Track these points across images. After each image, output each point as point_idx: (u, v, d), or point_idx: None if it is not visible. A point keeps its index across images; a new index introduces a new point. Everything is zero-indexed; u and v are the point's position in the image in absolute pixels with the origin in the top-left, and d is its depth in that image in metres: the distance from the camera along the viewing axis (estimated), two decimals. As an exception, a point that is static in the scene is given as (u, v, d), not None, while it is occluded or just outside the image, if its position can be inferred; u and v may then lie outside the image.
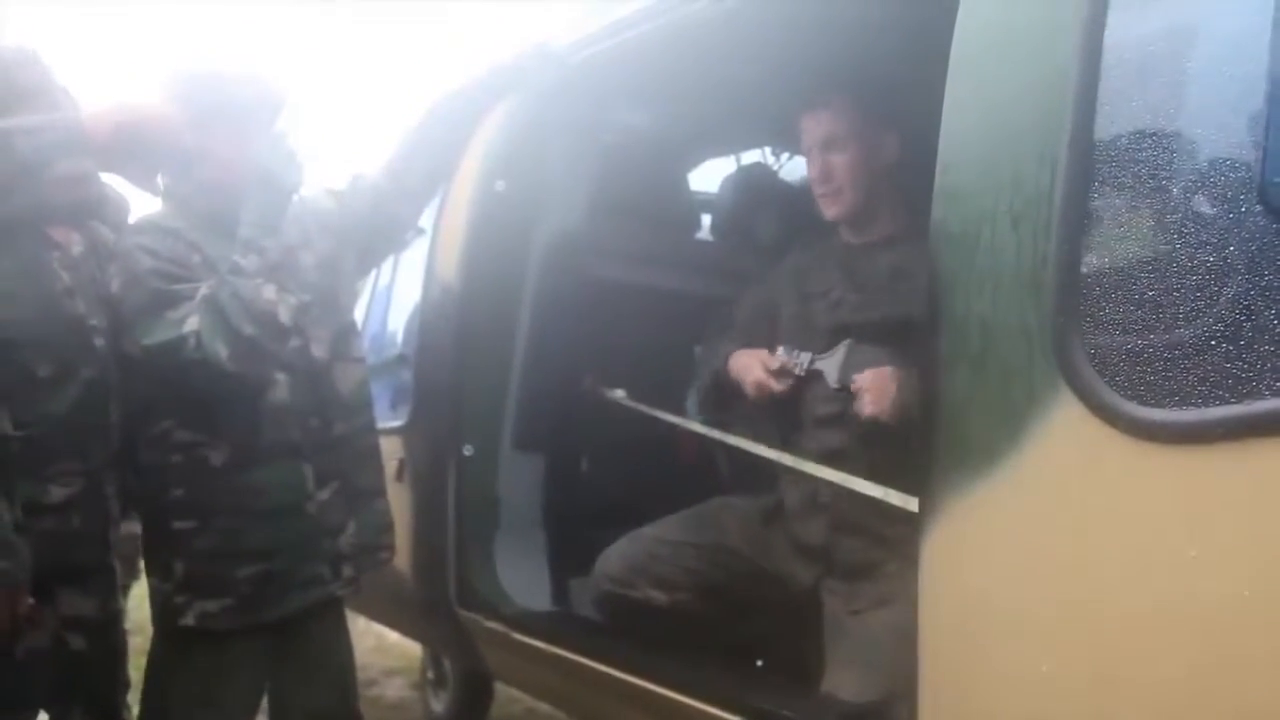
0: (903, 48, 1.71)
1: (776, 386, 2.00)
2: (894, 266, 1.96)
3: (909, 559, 1.52)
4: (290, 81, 2.03)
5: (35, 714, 2.05)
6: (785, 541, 2.02)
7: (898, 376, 1.81)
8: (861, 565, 1.88)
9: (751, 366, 2.06)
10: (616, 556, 2.16)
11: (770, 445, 2.04)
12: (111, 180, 2.02)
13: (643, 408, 2.37)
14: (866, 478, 1.81)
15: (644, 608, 2.10)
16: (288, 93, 2.00)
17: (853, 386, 1.87)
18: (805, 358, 1.98)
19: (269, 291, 1.81)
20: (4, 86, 1.89)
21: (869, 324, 1.96)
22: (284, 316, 1.84)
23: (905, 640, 1.39)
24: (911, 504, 1.46)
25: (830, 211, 2.05)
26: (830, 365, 1.96)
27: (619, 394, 2.42)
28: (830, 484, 1.89)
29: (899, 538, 1.69)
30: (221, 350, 1.76)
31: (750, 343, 2.14)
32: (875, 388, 1.83)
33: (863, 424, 1.84)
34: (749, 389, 2.06)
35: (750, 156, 3.13)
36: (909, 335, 1.77)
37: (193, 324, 1.76)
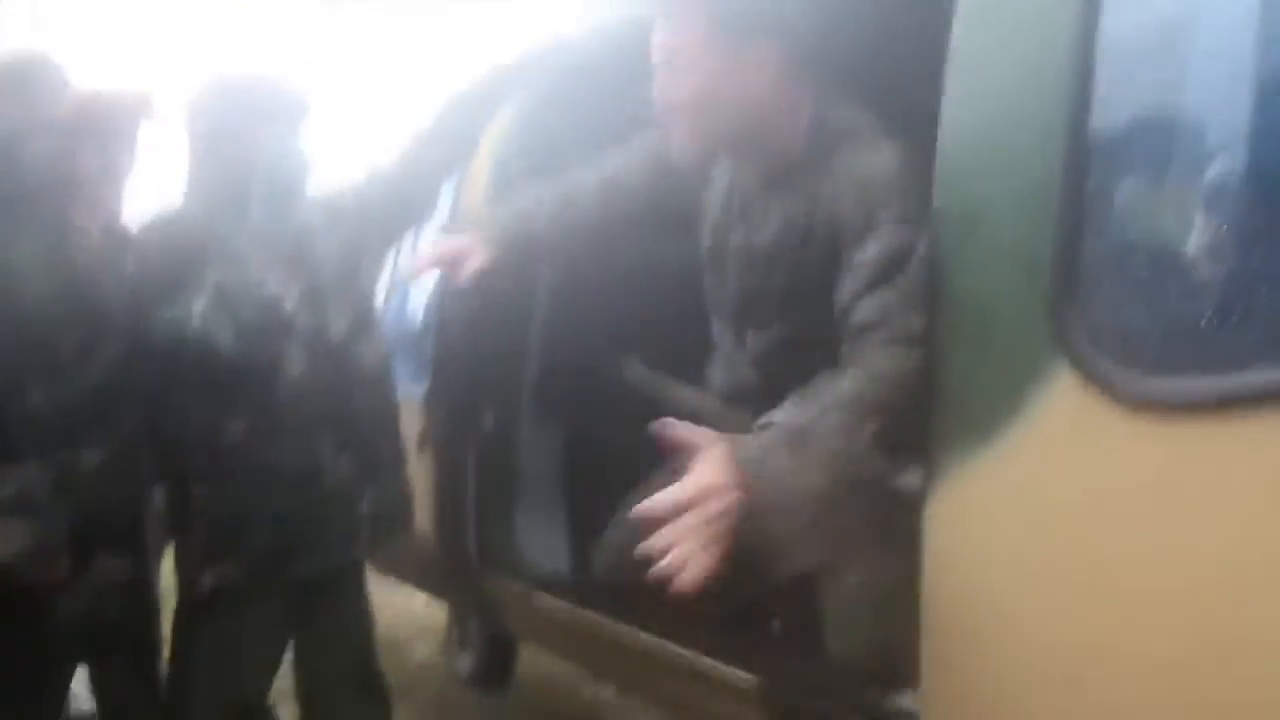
0: (908, 27, 1.72)
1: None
2: (784, 218, 1.65)
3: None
4: (314, 82, 2.08)
5: (73, 670, 2.14)
6: None
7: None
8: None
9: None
10: (609, 547, 2.09)
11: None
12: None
13: (660, 378, 2.39)
14: None
15: (652, 591, 2.10)
16: (312, 93, 2.06)
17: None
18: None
19: (273, 281, 1.87)
20: (19, 87, 1.95)
21: (760, 304, 1.73)
22: (288, 305, 1.90)
23: (899, 601, 1.43)
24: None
25: (676, 141, 1.67)
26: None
27: (636, 365, 2.43)
28: None
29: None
30: (226, 338, 1.83)
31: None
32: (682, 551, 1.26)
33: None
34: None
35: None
36: (797, 318, 1.68)
37: (199, 310, 1.83)
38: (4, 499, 1.87)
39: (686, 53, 1.58)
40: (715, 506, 1.27)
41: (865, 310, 1.45)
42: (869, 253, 1.48)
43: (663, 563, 1.25)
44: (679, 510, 1.26)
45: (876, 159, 1.54)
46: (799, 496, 1.34)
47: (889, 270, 1.45)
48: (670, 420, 1.35)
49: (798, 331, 1.70)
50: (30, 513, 1.88)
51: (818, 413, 1.37)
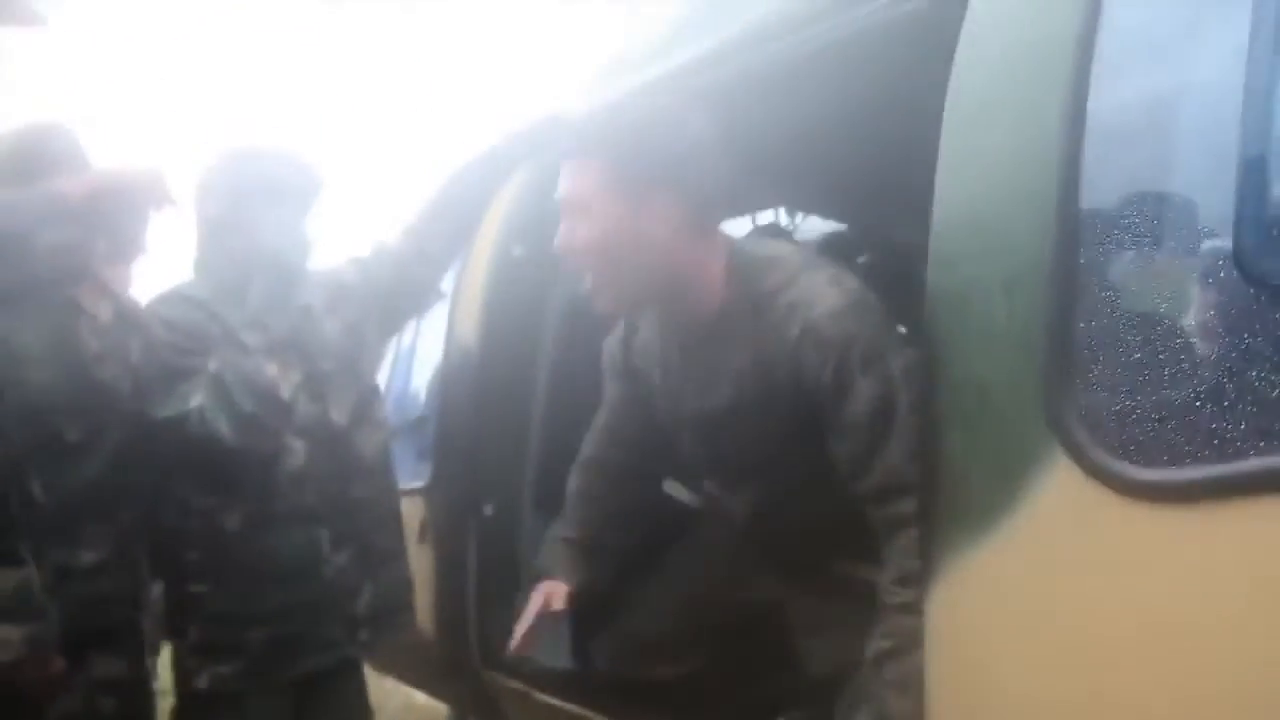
0: (903, 114, 1.75)
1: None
2: (734, 379, 1.63)
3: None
4: (327, 162, 2.11)
5: None
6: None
7: None
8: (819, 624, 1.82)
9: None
10: (610, 647, 2.07)
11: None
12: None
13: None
14: None
15: (655, 684, 2.06)
16: (324, 173, 2.08)
17: None
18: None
19: (271, 369, 1.88)
20: (35, 156, 1.99)
21: (730, 467, 1.78)
22: (285, 393, 1.90)
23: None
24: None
25: (594, 301, 1.65)
26: None
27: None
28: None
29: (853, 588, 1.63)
30: (224, 427, 1.83)
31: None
32: None
33: None
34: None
35: (765, 217, 3.18)
36: (773, 477, 1.70)
37: (198, 400, 1.83)
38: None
39: (585, 203, 1.57)
40: None
41: (878, 476, 1.48)
42: (854, 414, 1.50)
43: None
44: None
45: (818, 306, 1.53)
46: None
47: (882, 426, 1.48)
48: None
49: (778, 491, 1.72)
50: (25, 616, 1.86)
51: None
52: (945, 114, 1.41)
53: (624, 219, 1.55)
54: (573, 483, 2.07)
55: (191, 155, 2.06)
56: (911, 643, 1.41)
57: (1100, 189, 1.23)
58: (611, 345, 1.96)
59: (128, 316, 2.10)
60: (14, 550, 1.86)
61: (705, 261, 1.61)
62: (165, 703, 2.23)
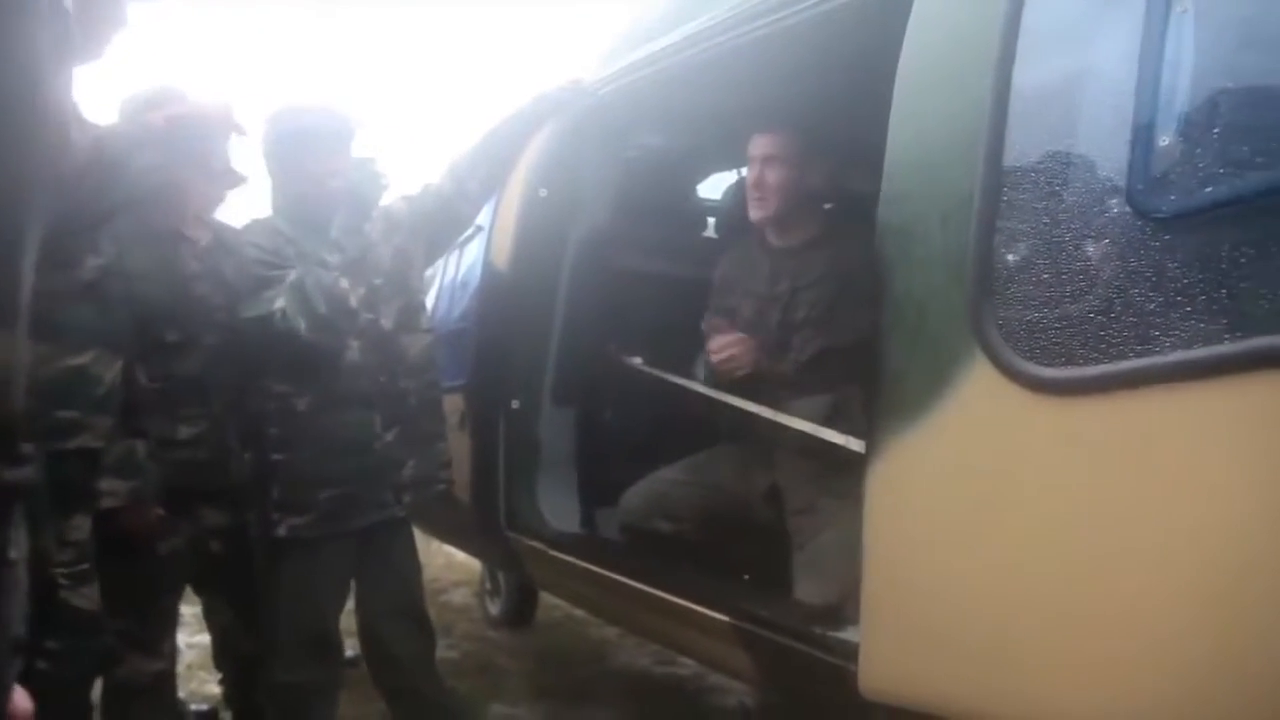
0: (861, 83, 1.73)
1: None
2: (824, 266, 1.99)
3: (842, 499, 1.55)
4: (360, 107, 2.09)
5: (179, 595, 2.17)
6: (759, 483, 2.05)
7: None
8: (803, 506, 1.93)
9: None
10: (636, 495, 2.18)
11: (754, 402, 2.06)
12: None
13: (655, 371, 2.41)
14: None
15: (657, 535, 2.14)
16: (357, 118, 2.06)
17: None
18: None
19: (344, 282, 1.90)
20: (156, 109, 1.97)
21: (823, 319, 1.98)
22: (353, 302, 1.93)
23: (850, 557, 1.44)
24: (860, 446, 1.50)
25: (756, 214, 2.06)
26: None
27: (637, 360, 2.46)
28: (777, 440, 1.92)
29: (835, 483, 1.71)
30: (301, 324, 1.85)
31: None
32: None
33: None
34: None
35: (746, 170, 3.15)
36: (855, 326, 1.74)
37: (280, 303, 1.85)
38: (110, 463, 1.89)
39: (777, 160, 2.00)
40: None
41: None
42: None
43: None
44: None
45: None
46: None
47: None
48: None
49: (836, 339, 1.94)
50: (130, 474, 1.91)
51: None
52: (896, 84, 1.41)
53: (801, 172, 2.02)
54: None
55: (258, 100, 2.03)
56: None
57: (1020, 145, 1.23)
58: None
59: (224, 241, 2.11)
60: (128, 425, 1.89)
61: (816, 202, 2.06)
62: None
